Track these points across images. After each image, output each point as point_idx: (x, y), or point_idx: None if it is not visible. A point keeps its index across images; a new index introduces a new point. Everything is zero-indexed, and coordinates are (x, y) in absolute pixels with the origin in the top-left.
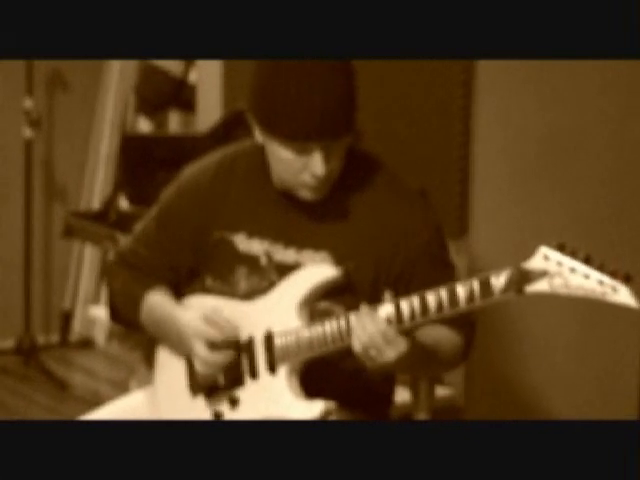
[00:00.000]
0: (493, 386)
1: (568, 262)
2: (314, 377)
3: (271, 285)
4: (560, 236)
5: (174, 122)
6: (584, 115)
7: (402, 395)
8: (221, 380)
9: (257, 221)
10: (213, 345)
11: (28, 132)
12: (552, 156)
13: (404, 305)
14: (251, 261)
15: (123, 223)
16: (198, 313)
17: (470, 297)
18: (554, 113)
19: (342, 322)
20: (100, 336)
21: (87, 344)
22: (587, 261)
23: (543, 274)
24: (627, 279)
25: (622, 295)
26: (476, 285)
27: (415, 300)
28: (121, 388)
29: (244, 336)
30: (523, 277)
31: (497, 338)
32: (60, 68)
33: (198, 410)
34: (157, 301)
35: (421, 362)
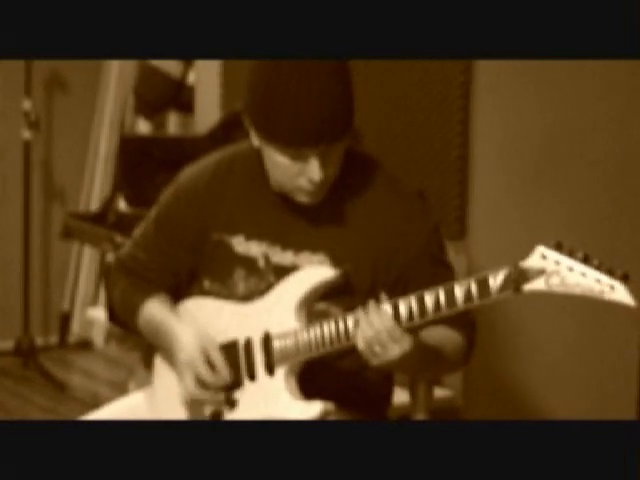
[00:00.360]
0: (492, 387)
1: (566, 261)
2: (312, 378)
3: (269, 287)
4: (558, 237)
5: (173, 123)
6: (583, 116)
7: (400, 396)
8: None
9: (255, 223)
10: (203, 384)
11: (27, 133)
12: (550, 157)
13: (402, 305)
14: (249, 263)
15: (122, 224)
16: (197, 340)
17: (468, 297)
18: (553, 114)
19: (340, 323)
20: (99, 337)
21: (86, 345)
22: (585, 260)
23: (540, 273)
24: (625, 278)
25: (620, 293)
26: (474, 285)
27: (413, 300)
28: (120, 389)
29: (242, 338)
30: (520, 276)
31: (496, 339)
32: (59, 69)
33: (196, 411)
34: (155, 312)
35: (425, 362)
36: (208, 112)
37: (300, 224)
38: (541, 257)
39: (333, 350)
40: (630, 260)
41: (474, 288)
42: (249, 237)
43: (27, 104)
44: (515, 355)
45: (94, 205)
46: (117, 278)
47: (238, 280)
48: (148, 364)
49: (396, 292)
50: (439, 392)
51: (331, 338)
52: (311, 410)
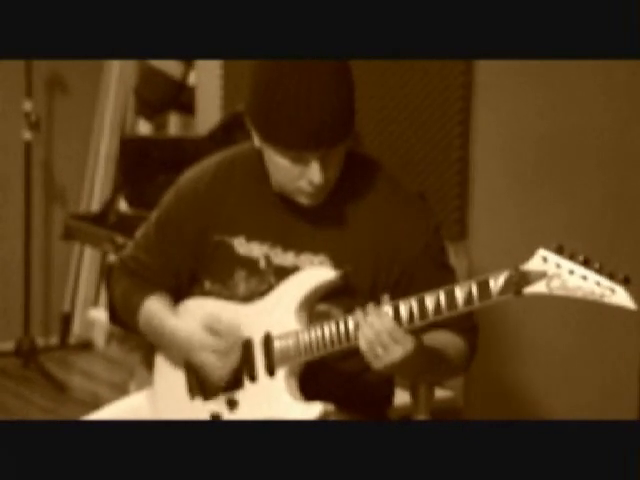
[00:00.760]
0: (492, 389)
1: (566, 264)
2: (313, 379)
3: (270, 288)
4: (559, 239)
5: (173, 124)
6: (583, 118)
7: (401, 397)
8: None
9: (256, 224)
10: (221, 352)
11: (28, 134)
12: (551, 159)
13: (402, 307)
14: (250, 264)
15: (123, 225)
16: (197, 323)
17: (468, 299)
18: (553, 116)
19: (341, 325)
20: (99, 338)
21: (86, 346)
22: (586, 263)
23: (541, 275)
24: (626, 281)
25: (620, 297)
26: (474, 287)
27: (413, 302)
28: (120, 390)
29: (243, 338)
30: (521, 279)
31: (496, 341)
32: (59, 70)
33: (197, 412)
34: (155, 309)
35: (427, 365)
36: (209, 113)
37: (301, 225)
38: (542, 260)
39: (334, 351)
40: (631, 263)
41: (475, 290)
42: (250, 238)
43: (28, 105)
44: (515, 357)
45: (95, 206)
46: (118, 279)
47: (239, 281)
48: (149, 365)
49: (397, 294)
50: (440, 393)
51: (332, 339)
52: (311, 411)
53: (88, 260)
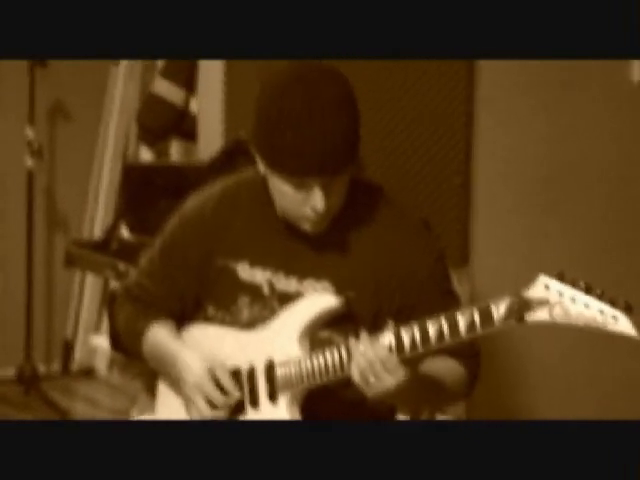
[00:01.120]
0: (494, 415)
1: (568, 291)
2: (315, 407)
3: (272, 314)
4: (562, 264)
5: (175, 151)
6: (586, 145)
7: None
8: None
9: (260, 250)
10: (213, 405)
11: (30, 162)
12: (553, 184)
13: (405, 334)
14: (253, 290)
15: (125, 252)
16: (203, 363)
17: (471, 326)
18: (556, 142)
19: (343, 351)
20: (101, 365)
21: (88, 373)
22: (588, 290)
23: (543, 303)
24: (628, 309)
25: (623, 324)
26: (477, 314)
27: (416, 329)
28: (123, 417)
29: (245, 365)
30: (523, 306)
31: (498, 367)
32: (62, 98)
33: None
34: (160, 336)
35: (422, 393)
36: (210, 140)
37: (305, 251)
38: (544, 287)
39: (336, 378)
40: (634, 288)
41: (477, 318)
42: (254, 264)
43: (30, 132)
44: (517, 382)
45: (97, 233)
46: (122, 305)
47: (242, 307)
48: (151, 392)
49: (400, 321)
50: (442, 419)
51: (334, 366)
52: None
53: (90, 287)
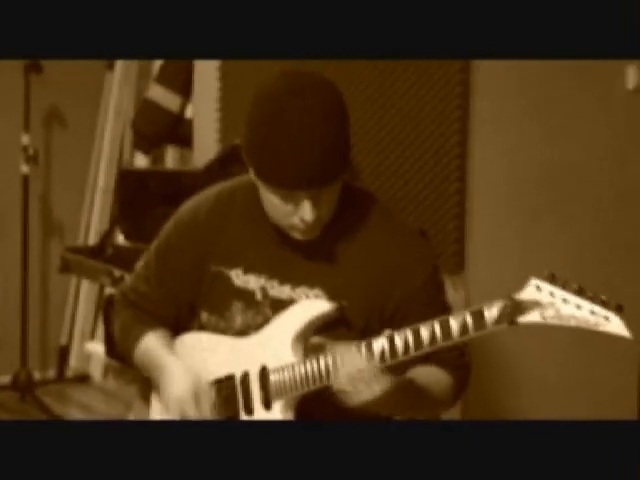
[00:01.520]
0: (491, 416)
1: (560, 293)
2: (309, 412)
3: (266, 320)
4: (558, 271)
5: (171, 157)
6: (582, 150)
7: None
8: (217, 415)
9: (254, 256)
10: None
11: (25, 168)
12: (549, 191)
13: (398, 339)
14: (247, 296)
15: (120, 258)
16: (189, 381)
17: (463, 329)
18: (551, 149)
19: (329, 359)
20: (97, 371)
21: (83, 379)
22: (579, 292)
23: (535, 305)
24: (619, 309)
25: (614, 325)
26: (469, 317)
27: (409, 334)
28: None
29: (239, 372)
30: (515, 308)
31: (492, 372)
32: (57, 104)
33: None
34: (151, 344)
35: (406, 402)
36: (206, 146)
37: (298, 258)
38: (535, 289)
39: (329, 384)
40: (628, 292)
41: (469, 320)
42: (247, 270)
43: (25, 138)
44: (512, 388)
45: (92, 239)
46: (119, 311)
47: (236, 313)
48: (146, 398)
49: (392, 329)
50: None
51: (327, 372)
52: None
53: (85, 293)
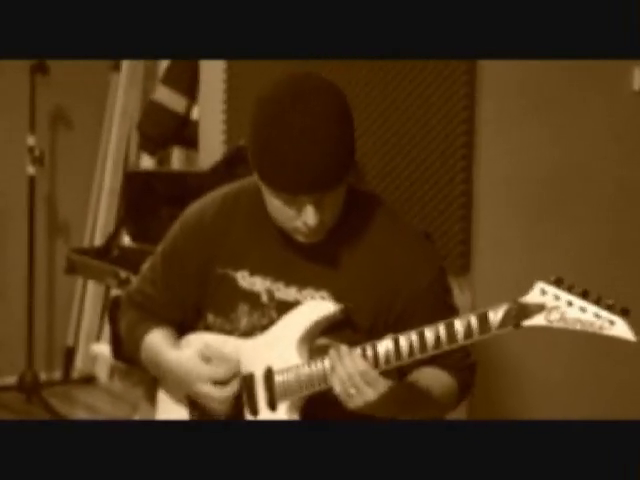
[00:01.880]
0: (496, 416)
1: (565, 296)
2: (314, 414)
3: (271, 322)
4: (564, 272)
5: (177, 159)
6: (587, 152)
7: None
8: (222, 413)
9: (259, 258)
10: (218, 382)
11: (31, 169)
12: (555, 192)
13: (403, 341)
14: (252, 298)
15: (125, 259)
16: (193, 353)
17: (468, 332)
18: (557, 150)
19: (327, 362)
20: (103, 373)
21: (89, 381)
22: (584, 295)
23: (540, 308)
24: (624, 312)
25: (619, 328)
26: (474, 320)
27: (414, 336)
28: None
29: (244, 373)
30: (520, 311)
31: (500, 375)
32: (63, 105)
33: None
34: (156, 342)
35: (406, 405)
36: (212, 148)
37: (304, 261)
38: (541, 292)
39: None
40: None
41: (474, 323)
42: (253, 272)
43: (31, 140)
44: (517, 390)
45: (98, 240)
46: (125, 312)
47: (241, 315)
48: (152, 399)
49: (397, 331)
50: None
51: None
52: None
53: (91, 294)
